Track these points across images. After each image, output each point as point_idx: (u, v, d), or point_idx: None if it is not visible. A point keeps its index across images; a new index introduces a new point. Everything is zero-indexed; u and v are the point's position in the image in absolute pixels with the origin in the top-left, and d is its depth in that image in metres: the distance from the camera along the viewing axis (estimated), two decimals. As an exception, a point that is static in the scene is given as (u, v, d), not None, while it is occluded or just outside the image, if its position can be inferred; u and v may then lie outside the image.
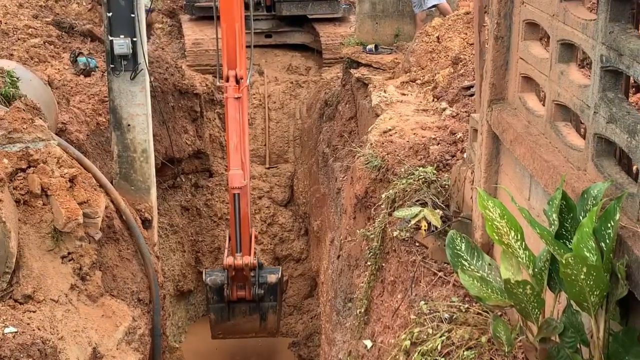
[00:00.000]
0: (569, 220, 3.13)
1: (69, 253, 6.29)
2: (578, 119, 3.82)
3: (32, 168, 6.22)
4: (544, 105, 3.97)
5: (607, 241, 2.87)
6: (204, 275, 9.78)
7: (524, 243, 3.32)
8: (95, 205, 6.55)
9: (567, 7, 3.57)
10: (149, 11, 14.59)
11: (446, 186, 5.75)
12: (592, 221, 2.86)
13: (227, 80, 8.37)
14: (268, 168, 14.09)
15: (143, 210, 8.24)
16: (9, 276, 5.67)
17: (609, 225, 2.86)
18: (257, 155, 13.94)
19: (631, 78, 3.33)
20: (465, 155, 5.67)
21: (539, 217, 3.65)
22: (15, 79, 7.68)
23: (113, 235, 7.31)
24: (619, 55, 3.01)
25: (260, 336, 10.59)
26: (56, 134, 7.48)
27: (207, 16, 14.73)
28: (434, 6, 10.40)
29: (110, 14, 7.83)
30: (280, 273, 9.89)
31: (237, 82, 8.40)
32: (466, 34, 9.09)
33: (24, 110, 6.62)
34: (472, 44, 8.03)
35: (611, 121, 3.08)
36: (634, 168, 3.41)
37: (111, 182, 7.93)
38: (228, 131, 8.54)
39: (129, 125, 8.19)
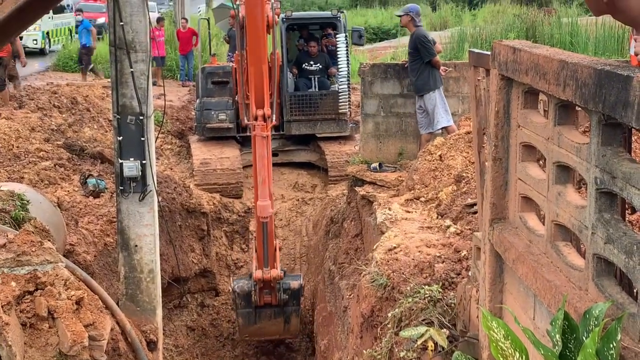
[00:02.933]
0: (572, 341, 3.13)
1: (73, 377, 6.23)
2: (578, 238, 3.88)
3: (39, 291, 6.25)
4: (544, 224, 4.03)
5: (611, 362, 2.87)
6: (232, 283, 10.82)
7: (529, 364, 3.31)
8: (101, 327, 6.53)
9: (561, 131, 3.69)
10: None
11: (452, 305, 5.75)
12: (594, 342, 2.88)
13: (256, 119, 8.98)
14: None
15: (148, 331, 8.19)
16: (13, 401, 5.61)
17: (611, 346, 2.87)
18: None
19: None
20: (470, 274, 5.70)
21: (545, 337, 3.65)
22: (25, 201, 7.83)
23: (118, 359, 7.25)
24: (612, 178, 3.10)
25: (283, 337, 11.77)
26: (64, 256, 7.56)
27: (216, 137, 15.13)
28: (443, 128, 10.67)
29: (121, 137, 8.04)
30: (301, 279, 11.00)
31: (265, 120, 9.00)
32: (468, 152, 9.29)
33: (33, 233, 6.73)
34: (473, 163, 8.19)
35: (609, 242, 3.14)
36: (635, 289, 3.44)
37: (117, 304, 7.93)
38: (256, 167, 9.38)
39: (136, 246, 8.26)
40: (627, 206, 4.23)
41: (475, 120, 5.79)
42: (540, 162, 4.44)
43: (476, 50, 5.78)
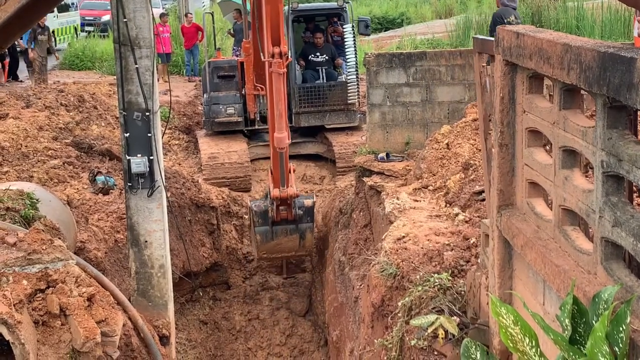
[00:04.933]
0: (582, 325, 3.13)
1: (87, 373, 6.27)
2: (586, 223, 3.87)
3: (50, 288, 6.29)
4: (551, 209, 4.02)
5: (620, 345, 2.87)
6: (250, 204, 11.59)
7: (539, 349, 3.31)
8: (113, 323, 6.56)
9: (566, 115, 3.68)
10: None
11: (462, 292, 5.75)
12: (604, 325, 2.87)
13: (273, 57, 9.25)
14: (285, 278, 14.07)
15: (160, 326, 8.22)
16: (27, 399, 5.64)
17: (621, 329, 2.86)
18: (274, 266, 13.95)
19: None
20: (479, 261, 5.70)
21: (554, 322, 3.65)
22: (35, 200, 7.86)
23: (131, 354, 7.28)
24: (619, 161, 3.09)
25: (298, 254, 12.41)
26: (75, 253, 7.59)
27: (224, 131, 15.14)
28: None
29: (128, 134, 8.06)
30: (314, 197, 11.81)
31: (280, 57, 9.30)
32: (475, 140, 9.26)
33: (43, 231, 6.76)
34: (480, 150, 8.17)
35: (616, 225, 3.13)
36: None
37: (129, 299, 7.96)
38: (273, 102, 9.69)
39: (146, 241, 8.28)
40: (634, 189, 4.22)
41: (481, 107, 5.78)
42: (547, 147, 4.43)
43: (480, 37, 5.77)
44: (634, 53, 2.90)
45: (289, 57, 9.91)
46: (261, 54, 9.71)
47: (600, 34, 18.82)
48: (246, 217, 13.84)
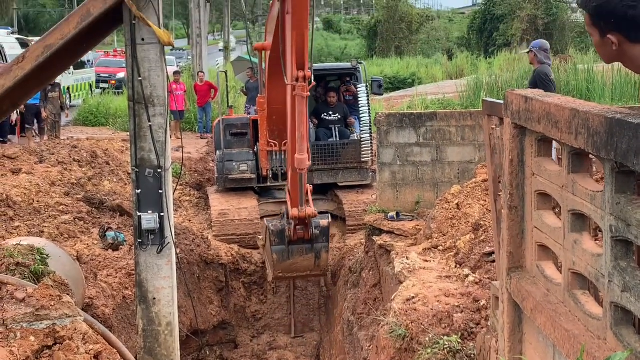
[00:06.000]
0: (593, 392, 3.09)
1: None
2: (596, 287, 3.84)
3: (58, 345, 6.26)
4: (561, 273, 4.01)
5: (632, 414, 2.82)
6: (266, 223, 11.70)
7: (549, 416, 3.26)
8: (119, 381, 6.51)
9: (575, 179, 3.69)
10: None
11: (472, 355, 5.69)
12: (614, 392, 2.83)
13: (297, 80, 9.54)
14: (294, 337, 13.95)
15: (167, 385, 8.14)
16: None
17: (632, 396, 2.82)
18: (282, 325, 13.85)
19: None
20: (489, 324, 5.65)
21: (565, 388, 3.60)
22: (44, 256, 7.89)
23: (136, 412, 7.20)
24: (627, 226, 3.09)
25: (313, 274, 12.30)
26: (83, 309, 7.57)
27: (236, 188, 15.21)
28: None
29: (139, 190, 8.10)
30: (329, 218, 11.88)
31: (304, 81, 9.56)
32: (485, 200, 9.27)
33: (52, 287, 6.76)
34: (491, 211, 8.17)
35: (625, 290, 3.11)
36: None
37: (136, 357, 7.90)
38: (296, 123, 9.88)
39: (154, 298, 8.25)
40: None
41: (490, 169, 5.80)
42: (556, 210, 4.43)
43: (489, 99, 5.82)
44: (641, 119, 2.92)
45: (312, 81, 10.20)
46: (285, 78, 9.98)
47: (611, 97, 18.93)
48: (256, 274, 13.79)
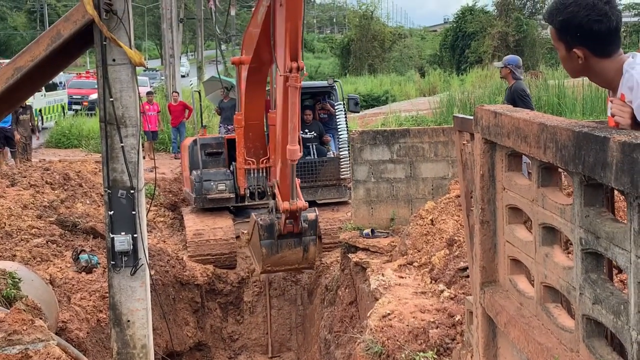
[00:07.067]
0: (566, 405, 3.10)
1: None
2: (568, 300, 3.87)
3: (30, 370, 6.17)
4: (533, 286, 4.03)
5: None
6: (255, 217, 11.71)
7: None
8: (93, 406, 6.43)
9: (545, 193, 3.72)
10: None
11: (448, 371, 5.69)
12: (587, 405, 2.84)
13: (290, 71, 9.68)
14: (271, 358, 13.87)
15: (142, 409, 8.05)
16: None
17: (604, 408, 2.84)
18: (259, 345, 13.77)
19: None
20: (464, 339, 5.66)
21: (539, 401, 3.61)
22: (17, 280, 7.79)
23: None
24: (597, 238, 3.12)
25: (301, 267, 12.37)
26: (57, 333, 7.48)
27: (214, 208, 15.13)
28: None
29: (112, 212, 8.04)
30: (316, 211, 12.06)
31: (297, 72, 9.70)
32: (459, 216, 9.31)
33: (24, 311, 6.68)
34: (464, 226, 8.21)
35: (596, 302, 3.13)
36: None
37: (110, 381, 7.81)
38: (288, 115, 10.02)
39: (128, 321, 8.18)
40: (613, 266, 4.24)
41: (462, 184, 5.83)
42: (527, 224, 4.46)
43: (460, 115, 5.86)
44: (607, 132, 2.95)
45: (305, 72, 10.28)
46: (277, 69, 10.15)
47: (582, 111, 19.15)
48: (232, 294, 13.71)
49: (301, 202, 11.15)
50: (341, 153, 15.18)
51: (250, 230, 12.22)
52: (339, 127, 15.18)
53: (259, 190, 14.52)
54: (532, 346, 3.75)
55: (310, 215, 11.67)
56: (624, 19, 4.28)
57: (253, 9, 12.09)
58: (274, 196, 14.32)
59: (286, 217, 11.26)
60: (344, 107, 15.41)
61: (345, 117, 15.41)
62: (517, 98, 10.01)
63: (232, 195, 15.16)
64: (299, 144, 10.27)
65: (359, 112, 21.75)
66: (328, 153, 15.64)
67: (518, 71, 10.23)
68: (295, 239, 11.69)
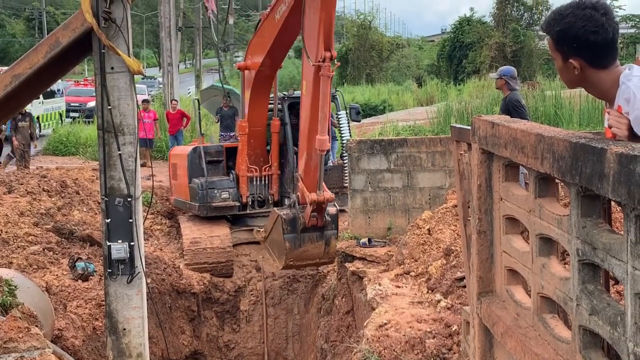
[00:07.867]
0: (562, 416, 3.10)
1: None
2: (564, 310, 3.87)
3: (25, 378, 6.16)
4: (530, 297, 4.03)
5: None
6: (277, 212, 11.66)
7: None
8: (89, 414, 6.41)
9: (542, 203, 3.73)
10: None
11: (444, 381, 5.68)
12: (584, 416, 2.84)
13: (323, 61, 9.73)
14: (267, 366, 13.85)
15: (138, 417, 8.03)
16: None
17: (601, 420, 2.83)
18: (255, 354, 13.74)
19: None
20: (461, 349, 5.65)
21: (536, 412, 3.60)
22: (13, 287, 7.77)
23: None
24: (593, 249, 3.12)
25: (322, 262, 12.29)
26: (52, 341, 7.46)
27: (214, 216, 15.08)
28: None
29: (109, 220, 8.04)
30: (337, 206, 11.96)
31: (330, 61, 9.80)
32: (456, 225, 9.31)
33: (20, 318, 6.66)
34: (461, 236, 8.21)
35: (593, 313, 3.14)
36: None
37: (106, 389, 7.79)
38: (319, 104, 10.06)
39: (124, 329, 8.16)
40: (610, 277, 4.24)
41: (460, 194, 5.84)
42: (524, 234, 4.47)
43: (457, 125, 5.88)
44: (604, 144, 2.96)
45: (336, 62, 10.38)
46: (308, 59, 10.17)
47: (579, 122, 19.18)
48: (228, 302, 13.66)
49: (328, 194, 11.10)
50: (345, 161, 15.20)
51: (269, 226, 12.10)
52: (342, 135, 15.27)
53: (260, 198, 14.54)
54: (528, 357, 3.74)
55: (331, 209, 11.61)
56: (621, 31, 4.29)
57: (267, 11, 12.08)
58: (275, 204, 14.36)
59: (312, 209, 11.14)
60: (347, 116, 15.53)
61: (349, 125, 15.52)
62: (512, 109, 10.02)
63: (237, 203, 15.14)
64: (329, 134, 10.19)
65: (360, 122, 21.82)
66: (328, 162, 15.64)
67: (513, 82, 10.23)
68: (317, 233, 11.61)
